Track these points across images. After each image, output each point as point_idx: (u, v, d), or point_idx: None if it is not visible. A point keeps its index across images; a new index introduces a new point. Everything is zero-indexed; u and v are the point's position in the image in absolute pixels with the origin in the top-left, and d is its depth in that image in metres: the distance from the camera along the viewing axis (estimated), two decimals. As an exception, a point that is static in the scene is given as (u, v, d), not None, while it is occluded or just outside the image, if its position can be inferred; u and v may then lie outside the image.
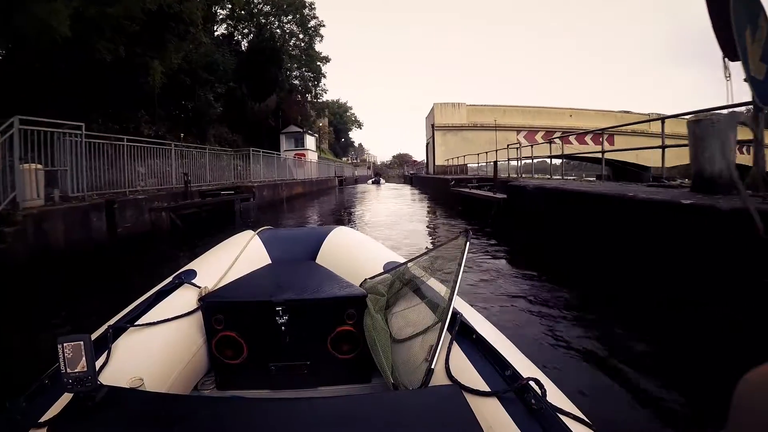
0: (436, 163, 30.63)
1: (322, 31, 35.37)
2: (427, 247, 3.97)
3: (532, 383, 1.17)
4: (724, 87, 4.39)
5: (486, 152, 20.48)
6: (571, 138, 31.04)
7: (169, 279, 2.16)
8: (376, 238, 3.16)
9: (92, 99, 13.22)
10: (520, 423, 1.09)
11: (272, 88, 28.52)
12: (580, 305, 4.50)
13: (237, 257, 2.46)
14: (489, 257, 7.09)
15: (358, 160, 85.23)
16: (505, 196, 9.18)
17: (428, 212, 16.56)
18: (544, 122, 32.49)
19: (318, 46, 36.52)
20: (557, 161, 17.98)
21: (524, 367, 1.33)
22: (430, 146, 33.26)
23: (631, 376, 2.99)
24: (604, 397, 2.75)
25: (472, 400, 1.18)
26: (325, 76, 37.69)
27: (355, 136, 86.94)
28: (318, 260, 2.71)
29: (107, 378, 1.35)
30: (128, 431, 1.12)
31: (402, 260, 2.24)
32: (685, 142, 4.84)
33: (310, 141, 34.38)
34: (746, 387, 0.51)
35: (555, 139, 18.80)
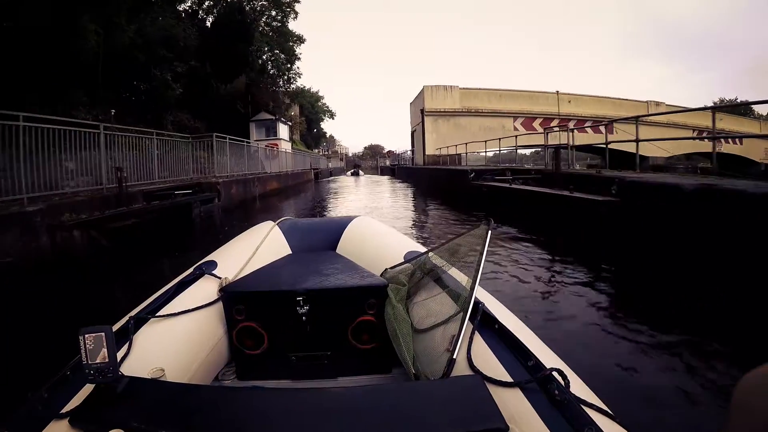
0: (427, 153, 27.57)
1: (297, 7, 31.75)
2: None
3: (555, 374, 1.16)
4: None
5: (485, 141, 18.78)
6: (570, 125, 29.00)
7: (190, 270, 2.16)
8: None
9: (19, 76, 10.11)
10: (543, 414, 1.09)
11: (241, 68, 24.95)
12: None
13: (257, 248, 2.48)
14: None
15: (330, 152, 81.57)
16: (613, 198, 6.14)
17: (457, 217, 11.26)
18: (541, 108, 30.17)
19: (292, 25, 32.97)
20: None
21: (547, 357, 1.32)
22: (418, 134, 30.22)
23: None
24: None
25: (495, 391, 1.18)
26: (299, 58, 34.07)
27: (327, 127, 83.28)
28: (338, 250, 2.72)
29: (129, 369, 1.35)
30: (150, 421, 1.10)
31: (423, 250, 2.25)
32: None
33: (283, 130, 30.83)
34: (746, 387, 0.53)
35: (562, 128, 17.52)
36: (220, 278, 2.06)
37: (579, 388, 1.17)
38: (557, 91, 31.26)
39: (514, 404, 1.15)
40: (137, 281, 4.19)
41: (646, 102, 32.74)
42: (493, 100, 29.25)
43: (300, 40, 33.87)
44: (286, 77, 34.36)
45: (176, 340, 1.68)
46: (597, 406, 1.10)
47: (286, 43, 32.24)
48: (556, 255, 6.30)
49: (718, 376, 2.84)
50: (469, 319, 1.48)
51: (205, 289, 1.99)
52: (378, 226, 3.01)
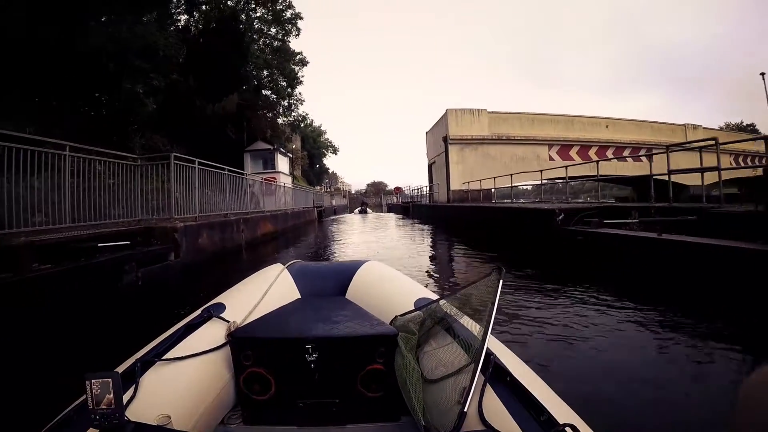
0: (452, 188, 23.36)
1: (300, 24, 28.11)
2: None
3: (568, 430, 1.14)
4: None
5: (540, 171, 15.86)
6: (609, 153, 25.10)
7: (198, 312, 2.18)
8: None
9: None
10: None
11: (232, 84, 21.04)
12: None
13: (266, 291, 2.50)
14: None
15: (333, 189, 77.98)
16: None
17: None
18: (577, 134, 26.24)
19: (294, 44, 29.40)
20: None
21: (561, 411, 1.30)
22: (439, 166, 26.07)
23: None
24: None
25: None
26: (301, 82, 30.29)
27: (329, 163, 79.96)
28: (348, 295, 2.72)
29: (134, 413, 1.34)
30: None
31: (433, 297, 2.28)
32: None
33: (282, 162, 26.82)
34: (749, 388, 0.54)
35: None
36: (228, 321, 2.06)
37: None
38: (590, 116, 27.36)
39: None
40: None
41: (683, 125, 29.40)
42: (525, 126, 25.25)
43: (303, 62, 30.25)
44: (286, 103, 30.44)
45: (183, 385, 1.67)
46: None
47: (287, 64, 28.49)
48: None
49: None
50: (481, 370, 1.46)
51: (212, 333, 1.99)
52: (388, 271, 2.98)
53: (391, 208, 53.73)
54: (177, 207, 8.55)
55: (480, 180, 20.27)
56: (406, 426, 1.86)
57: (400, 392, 1.74)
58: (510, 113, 25.20)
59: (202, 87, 18.77)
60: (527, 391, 1.38)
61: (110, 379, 1.13)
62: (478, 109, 24.29)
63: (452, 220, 18.64)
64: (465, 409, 1.34)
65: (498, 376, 1.49)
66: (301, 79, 30.01)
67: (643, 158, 23.66)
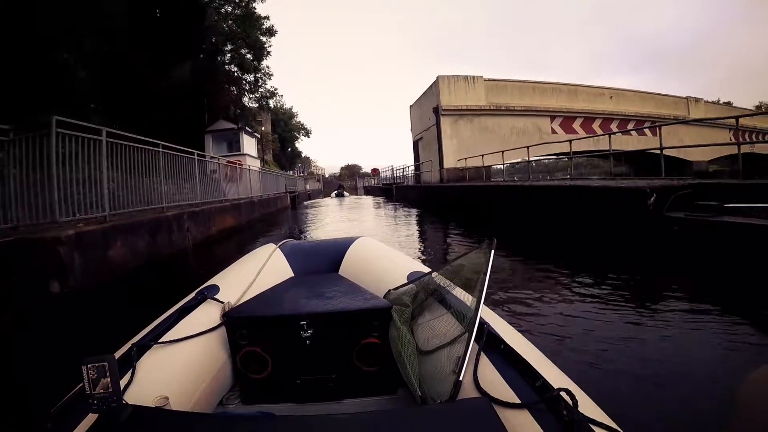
0: (446, 165, 20.41)
1: None
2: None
3: (563, 394, 1.15)
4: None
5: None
6: (613, 126, 22.82)
7: (192, 295, 2.19)
8: None
9: None
10: None
11: (187, 51, 17.67)
12: None
13: (259, 271, 2.51)
14: None
15: (306, 173, 74.58)
16: None
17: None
18: (581, 105, 23.53)
19: (260, 8, 25.89)
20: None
21: (555, 377, 1.31)
22: (428, 142, 23.10)
23: None
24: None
25: (503, 413, 1.18)
26: (269, 53, 26.72)
27: (302, 146, 76.41)
28: (341, 272, 2.73)
29: (132, 397, 1.35)
30: None
31: (426, 270, 2.27)
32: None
33: (249, 144, 23.53)
34: (748, 387, 0.54)
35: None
36: (222, 303, 2.08)
37: (588, 407, 1.16)
38: (594, 86, 24.88)
39: (522, 427, 1.14)
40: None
41: (686, 99, 27.58)
42: (525, 96, 22.36)
43: (270, 32, 26.66)
44: (252, 78, 26.84)
45: (180, 367, 1.67)
46: (608, 426, 1.09)
47: (252, 31, 24.93)
48: None
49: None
50: (475, 339, 1.47)
51: (207, 314, 2.00)
52: (380, 247, 2.99)
53: (369, 191, 50.63)
54: (66, 202, 5.45)
55: (481, 155, 17.62)
56: (403, 398, 1.90)
57: (395, 365, 1.72)
58: (509, 81, 22.25)
59: (149, 54, 15.41)
60: (521, 358, 1.38)
61: (106, 363, 1.13)
62: (474, 77, 21.29)
63: (449, 205, 15.76)
64: (461, 378, 1.36)
65: (492, 345, 1.50)
66: (269, 50, 26.49)
67: (647, 132, 22.72)
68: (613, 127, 23.31)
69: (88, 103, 13.35)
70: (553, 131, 22.43)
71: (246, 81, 26.43)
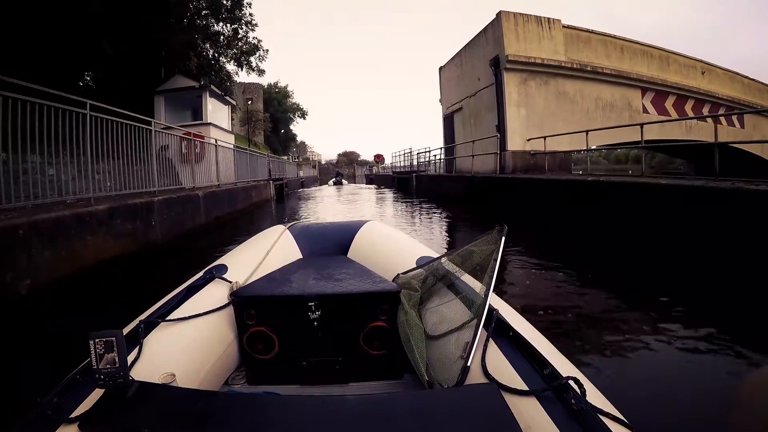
0: (510, 147, 13.53)
1: None
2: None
3: (571, 382, 1.15)
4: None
5: None
6: (704, 110, 17.99)
7: (200, 274, 2.17)
8: None
9: None
10: (560, 423, 1.08)
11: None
12: None
13: (268, 252, 2.49)
14: None
15: (301, 159, 68.34)
16: None
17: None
18: (674, 78, 17.44)
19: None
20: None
21: (563, 366, 1.30)
22: (471, 114, 16.46)
23: None
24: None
25: (510, 399, 1.17)
26: (253, -7, 19.66)
27: (297, 130, 69.79)
28: (350, 255, 2.72)
29: (139, 373, 1.36)
30: (160, 427, 1.11)
31: (435, 255, 2.27)
32: None
33: (216, 110, 16.60)
34: (748, 388, 0.55)
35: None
36: (230, 282, 2.06)
37: (595, 397, 1.16)
38: (686, 56, 18.41)
39: (530, 413, 1.13)
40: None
41: None
42: (612, 56, 15.84)
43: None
44: (229, 28, 19.72)
45: (187, 345, 1.67)
46: (614, 416, 1.08)
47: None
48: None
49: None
50: (483, 326, 1.47)
51: (215, 294, 1.99)
52: (389, 231, 2.99)
53: (372, 180, 43.55)
54: None
55: (563, 135, 11.66)
56: (409, 383, 1.90)
57: (402, 350, 1.73)
58: (593, 33, 15.61)
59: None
60: (530, 346, 1.37)
61: (114, 338, 1.13)
62: (550, 19, 14.50)
63: (534, 213, 9.34)
64: (468, 364, 1.36)
65: (501, 332, 1.50)
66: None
67: (735, 122, 18.71)
68: (705, 110, 17.95)
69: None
70: (644, 109, 16.28)
71: (222, 35, 19.47)
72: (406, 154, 26.30)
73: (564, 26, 14.84)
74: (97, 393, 1.18)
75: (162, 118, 14.32)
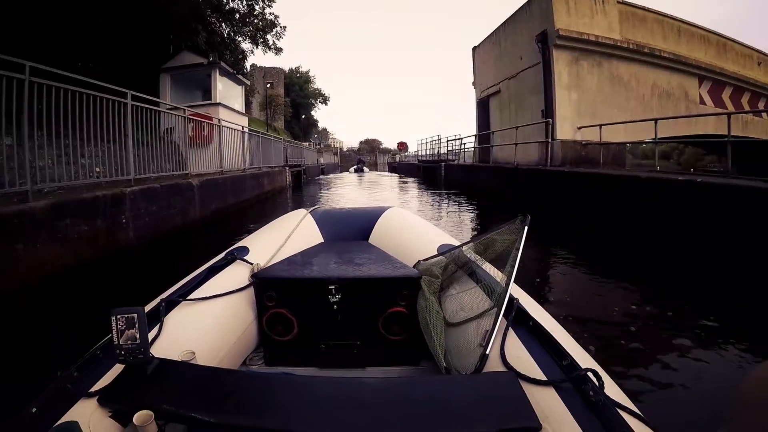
0: (560, 137, 11.58)
1: None
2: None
3: (590, 374, 1.13)
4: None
5: None
6: (761, 104, 16.02)
7: (222, 255, 2.18)
8: None
9: None
10: (577, 414, 1.07)
11: None
12: None
13: (289, 235, 2.49)
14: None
15: (323, 146, 67.10)
16: None
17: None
18: (732, 68, 15.24)
19: None
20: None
21: (582, 357, 1.29)
22: (512, 98, 14.76)
23: None
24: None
25: (528, 388, 1.16)
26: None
27: (319, 117, 68.75)
28: (371, 240, 2.70)
29: (159, 350, 1.35)
30: (179, 403, 1.11)
31: (456, 243, 2.21)
32: None
33: (228, 89, 15.06)
34: (749, 385, 0.52)
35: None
36: (251, 264, 2.05)
37: (613, 390, 1.14)
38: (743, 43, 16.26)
39: (547, 403, 1.12)
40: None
41: None
42: (669, 38, 13.84)
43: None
44: (243, 5, 18.01)
45: (207, 324, 1.68)
46: (631, 410, 1.07)
47: None
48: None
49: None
50: (504, 315, 1.46)
51: (236, 275, 1.99)
52: (411, 217, 2.95)
53: (395, 168, 41.83)
54: None
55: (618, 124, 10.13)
56: (426, 369, 1.90)
57: (420, 336, 1.72)
58: (649, 11, 13.56)
59: None
60: (550, 336, 1.36)
61: (135, 315, 1.15)
62: (603, -9, 12.64)
63: (601, 219, 7.33)
64: (487, 352, 1.35)
65: (520, 321, 1.47)
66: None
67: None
68: (761, 105, 16.01)
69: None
70: (701, 100, 14.32)
71: (237, 12, 17.86)
72: (433, 142, 24.51)
73: (618, 1, 12.88)
74: (117, 369, 1.20)
75: (168, 98, 13.23)
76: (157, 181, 6.58)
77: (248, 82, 18.00)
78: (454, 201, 13.06)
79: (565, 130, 11.47)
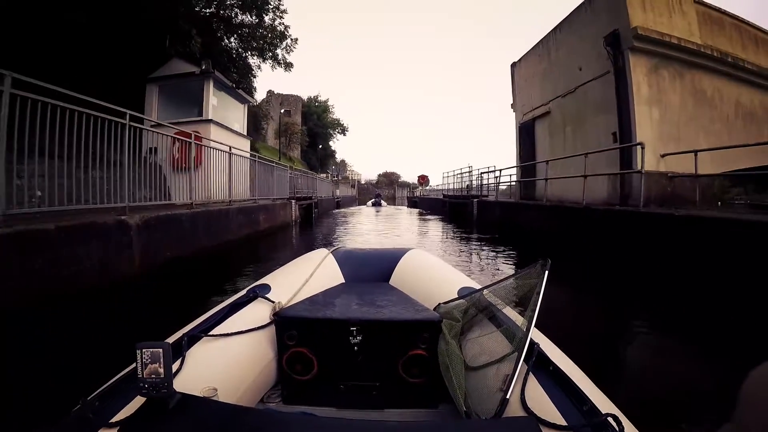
0: (636, 166, 8.40)
1: None
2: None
3: (610, 419, 1.11)
4: None
5: None
6: None
7: (243, 292, 2.19)
8: None
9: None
10: None
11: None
12: None
13: (311, 275, 2.48)
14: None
15: (341, 178, 65.40)
16: None
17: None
18: None
19: None
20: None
21: (602, 402, 1.27)
22: (566, 119, 12.25)
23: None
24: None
25: None
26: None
27: (337, 148, 67.63)
28: (392, 282, 2.68)
29: (180, 385, 1.32)
30: None
31: (477, 286, 2.22)
32: None
33: (225, 105, 12.69)
34: (753, 383, 0.53)
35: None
36: (273, 302, 2.06)
37: None
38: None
39: None
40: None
41: None
42: (749, 48, 11.36)
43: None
44: (253, 18, 16.00)
45: (227, 360, 1.67)
46: None
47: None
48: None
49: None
50: (524, 359, 1.43)
51: (257, 312, 1.99)
52: (432, 259, 2.91)
53: (416, 204, 39.11)
54: None
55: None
56: (445, 413, 1.84)
57: (440, 379, 1.70)
58: (726, 14, 11.20)
59: None
60: (570, 381, 1.33)
61: (161, 350, 1.14)
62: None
63: None
64: (507, 396, 1.33)
65: (541, 366, 1.46)
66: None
67: None
68: None
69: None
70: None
71: (245, 25, 15.87)
72: (462, 175, 21.85)
73: (696, 1, 10.47)
74: (138, 401, 1.18)
75: (153, 113, 10.99)
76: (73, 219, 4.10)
77: (252, 101, 15.77)
78: (501, 251, 10.02)
79: (647, 159, 8.77)
